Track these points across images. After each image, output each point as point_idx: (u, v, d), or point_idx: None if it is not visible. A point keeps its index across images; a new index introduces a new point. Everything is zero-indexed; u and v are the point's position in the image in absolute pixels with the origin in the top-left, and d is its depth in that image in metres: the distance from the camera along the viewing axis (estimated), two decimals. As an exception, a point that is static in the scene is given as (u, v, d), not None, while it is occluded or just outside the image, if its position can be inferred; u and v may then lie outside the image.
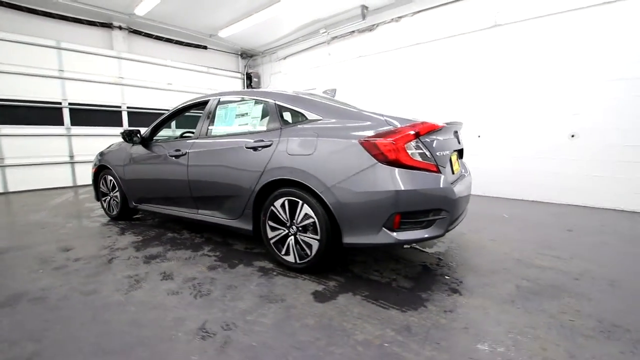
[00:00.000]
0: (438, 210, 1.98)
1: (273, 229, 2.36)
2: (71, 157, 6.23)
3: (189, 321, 1.70)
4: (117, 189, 3.63)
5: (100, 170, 3.85)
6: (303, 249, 2.23)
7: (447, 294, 2.00)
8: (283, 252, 2.33)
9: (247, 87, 9.20)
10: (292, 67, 8.26)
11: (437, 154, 2.05)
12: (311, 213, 2.13)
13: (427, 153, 2.00)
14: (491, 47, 4.96)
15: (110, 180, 3.69)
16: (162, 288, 2.08)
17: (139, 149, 3.37)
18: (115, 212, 3.75)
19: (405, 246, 2.79)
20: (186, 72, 7.81)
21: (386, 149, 1.91)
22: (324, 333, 1.60)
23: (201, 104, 3.10)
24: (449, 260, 2.53)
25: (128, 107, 6.88)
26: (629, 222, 3.61)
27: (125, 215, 3.73)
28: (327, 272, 2.30)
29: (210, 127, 2.85)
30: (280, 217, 2.29)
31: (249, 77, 9.12)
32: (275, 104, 2.48)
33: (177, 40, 7.58)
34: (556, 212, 4.11)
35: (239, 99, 2.78)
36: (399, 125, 2.00)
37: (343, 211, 2.01)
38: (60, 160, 6.11)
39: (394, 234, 1.94)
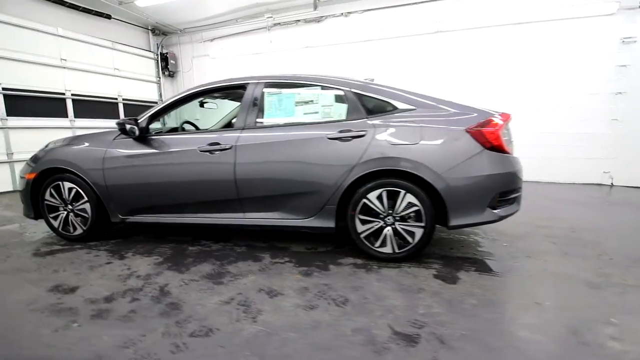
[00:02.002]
0: (519, 188, 2.34)
1: (364, 222, 2.28)
2: None
3: (375, 330, 1.54)
4: (84, 199, 2.67)
5: (45, 177, 2.74)
6: (402, 238, 2.25)
7: (525, 257, 2.40)
8: (377, 244, 2.29)
9: (162, 69, 7.81)
10: (223, 52, 7.46)
11: (512, 140, 2.40)
12: (415, 201, 2.17)
13: (509, 139, 2.32)
14: (435, 50, 5.78)
15: (71, 189, 2.68)
16: (286, 305, 1.76)
17: (132, 145, 2.58)
18: (80, 231, 2.75)
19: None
20: (86, 45, 6.06)
21: (492, 137, 2.13)
22: (500, 307, 1.74)
23: (230, 89, 2.62)
24: (487, 231, 2.98)
25: (4, 89, 4.90)
26: (550, 190, 4.94)
27: (97, 233, 2.80)
28: (418, 257, 2.38)
29: (259, 117, 2.45)
30: (376, 209, 2.23)
31: (164, 58, 7.74)
32: (353, 92, 2.35)
33: (70, 3, 5.76)
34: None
35: (296, 85, 2.48)
36: (487, 115, 2.24)
37: (453, 196, 2.13)
38: None
39: (496, 211, 2.20)
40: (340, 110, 2.37)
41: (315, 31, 6.57)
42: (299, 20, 6.60)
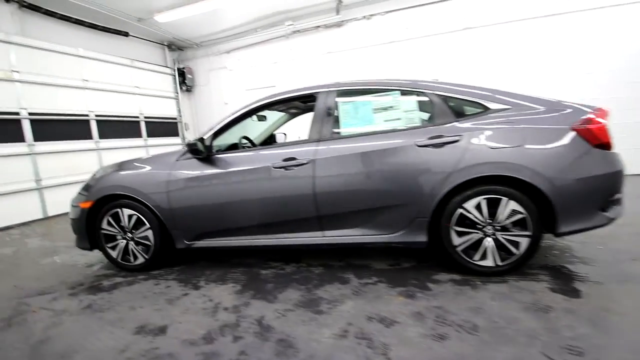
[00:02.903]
0: (622, 187, 2.16)
1: (460, 234, 2.10)
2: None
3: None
4: (146, 226, 2.51)
5: (101, 206, 2.57)
6: (504, 249, 2.07)
7: (632, 260, 2.22)
8: (476, 257, 2.11)
9: (180, 84, 7.69)
10: (240, 63, 7.34)
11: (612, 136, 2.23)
12: (519, 208, 1.99)
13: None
14: (463, 47, 5.64)
15: (131, 216, 2.52)
16: (411, 336, 1.58)
17: (197, 165, 2.42)
18: (141, 260, 2.58)
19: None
20: (105, 65, 5.93)
21: (600, 133, 1.96)
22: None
23: (297, 100, 2.48)
24: (568, 234, 2.79)
25: (30, 114, 4.76)
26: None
27: (159, 261, 2.62)
28: (519, 269, 2.19)
29: (335, 127, 2.29)
30: (474, 219, 2.05)
31: (181, 73, 7.62)
32: (437, 94, 2.19)
33: (90, 23, 5.65)
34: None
35: (372, 91, 2.33)
36: (584, 111, 2.07)
37: (563, 200, 1.95)
38: None
39: (606, 213, 2.02)
40: (425, 115, 2.22)
41: (337, 36, 6.44)
42: (319, 26, 6.48)
